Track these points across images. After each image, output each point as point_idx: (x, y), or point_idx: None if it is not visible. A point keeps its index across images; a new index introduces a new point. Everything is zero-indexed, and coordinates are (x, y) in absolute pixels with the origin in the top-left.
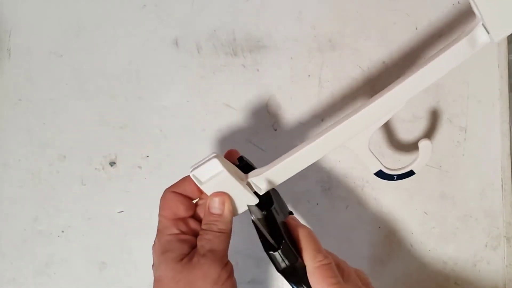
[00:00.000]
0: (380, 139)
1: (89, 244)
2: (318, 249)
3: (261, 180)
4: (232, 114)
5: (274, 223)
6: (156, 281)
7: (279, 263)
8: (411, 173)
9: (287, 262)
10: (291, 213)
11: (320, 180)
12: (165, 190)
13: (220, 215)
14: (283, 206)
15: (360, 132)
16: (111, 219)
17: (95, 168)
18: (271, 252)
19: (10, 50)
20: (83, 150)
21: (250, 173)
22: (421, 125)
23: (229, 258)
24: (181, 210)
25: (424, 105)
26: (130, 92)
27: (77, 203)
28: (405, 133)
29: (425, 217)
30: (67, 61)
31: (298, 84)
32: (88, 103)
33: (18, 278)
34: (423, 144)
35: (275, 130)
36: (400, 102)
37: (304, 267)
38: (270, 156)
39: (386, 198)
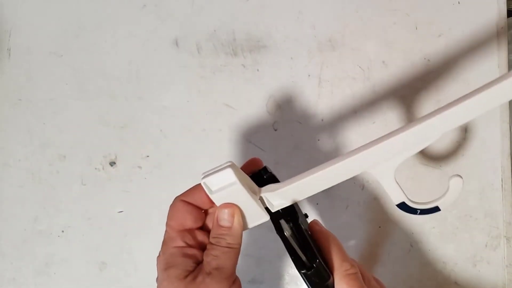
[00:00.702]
0: None
1: (89, 244)
2: (344, 257)
3: (274, 197)
4: (232, 114)
5: (304, 239)
6: None
7: (311, 282)
8: (436, 209)
9: (319, 281)
10: (306, 215)
11: None
12: (175, 198)
13: (229, 228)
14: (299, 210)
15: (389, 160)
16: (111, 219)
17: (95, 168)
18: (304, 271)
19: (10, 50)
20: (83, 150)
21: (264, 188)
22: None
23: None
24: (189, 221)
25: (424, 105)
26: (130, 92)
27: (77, 203)
28: None
29: (425, 217)
30: (67, 61)
31: (298, 84)
32: (88, 103)
33: (18, 278)
34: (454, 181)
35: (275, 130)
36: (438, 132)
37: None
38: (270, 156)
39: (386, 198)
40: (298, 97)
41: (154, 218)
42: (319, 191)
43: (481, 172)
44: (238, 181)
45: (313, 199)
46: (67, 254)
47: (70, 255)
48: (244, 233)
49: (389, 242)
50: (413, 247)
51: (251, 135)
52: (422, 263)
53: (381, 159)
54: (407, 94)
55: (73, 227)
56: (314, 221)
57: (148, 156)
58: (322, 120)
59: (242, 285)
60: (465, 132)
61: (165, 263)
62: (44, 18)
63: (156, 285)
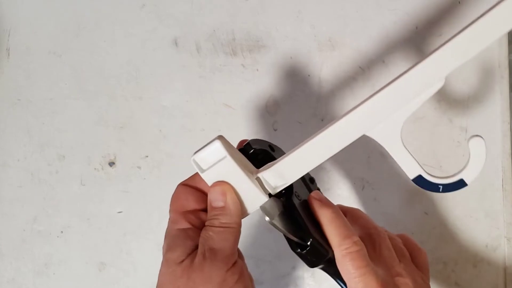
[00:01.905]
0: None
1: (88, 244)
2: (344, 234)
3: (271, 176)
4: (231, 114)
5: (296, 217)
6: (157, 286)
7: (308, 261)
8: (462, 184)
9: (316, 259)
10: (311, 180)
11: (320, 180)
12: (177, 185)
13: (223, 208)
14: (302, 178)
15: (390, 116)
16: (110, 219)
17: (95, 168)
18: (298, 251)
19: (9, 50)
20: (83, 150)
21: (261, 168)
22: (422, 125)
23: None
24: (191, 202)
25: (424, 105)
26: (130, 92)
27: (76, 203)
28: (406, 134)
29: (425, 217)
30: (66, 60)
31: (298, 84)
32: (87, 103)
33: (17, 278)
34: (474, 143)
35: (275, 130)
36: (438, 75)
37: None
38: None
39: (386, 198)
40: (298, 97)
41: (153, 218)
42: (319, 162)
43: (481, 172)
44: (228, 155)
45: None
46: (66, 254)
47: (69, 255)
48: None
49: None
50: None
51: (251, 135)
52: None
53: (383, 113)
54: None
55: (72, 228)
56: (312, 194)
57: (147, 156)
58: (322, 120)
59: None
60: (465, 132)
61: (166, 247)
62: (43, 17)
63: None
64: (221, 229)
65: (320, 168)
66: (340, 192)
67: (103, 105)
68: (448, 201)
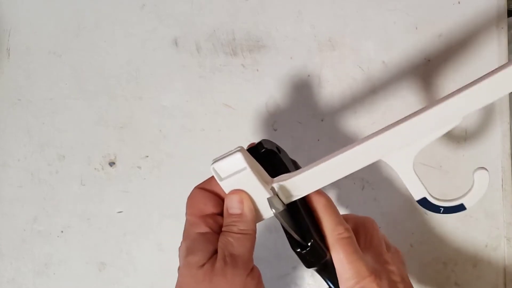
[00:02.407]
0: None
1: (89, 244)
2: (337, 221)
3: (286, 187)
4: (231, 114)
5: (298, 215)
6: (177, 287)
7: (307, 261)
8: (461, 207)
9: (314, 260)
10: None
11: None
12: (193, 188)
13: (240, 215)
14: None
15: (406, 146)
16: (110, 219)
17: (95, 168)
18: (298, 251)
19: (9, 50)
20: (83, 150)
21: (277, 178)
22: None
23: None
24: (209, 206)
25: (424, 105)
26: (130, 92)
27: (77, 203)
28: None
29: (425, 217)
30: (66, 60)
31: (298, 84)
32: (87, 103)
33: (17, 278)
34: (480, 174)
35: (275, 130)
36: (457, 115)
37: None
38: None
39: (386, 198)
40: (298, 97)
41: (153, 218)
42: (333, 180)
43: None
44: (248, 167)
45: None
46: (66, 254)
47: (69, 255)
48: None
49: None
50: (413, 247)
51: (251, 135)
52: (422, 264)
53: (399, 143)
54: (407, 94)
55: (72, 227)
56: None
57: (147, 156)
58: (322, 120)
59: None
60: (465, 132)
61: (186, 249)
62: (43, 17)
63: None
64: (240, 235)
65: None
66: (340, 192)
67: (103, 105)
68: None
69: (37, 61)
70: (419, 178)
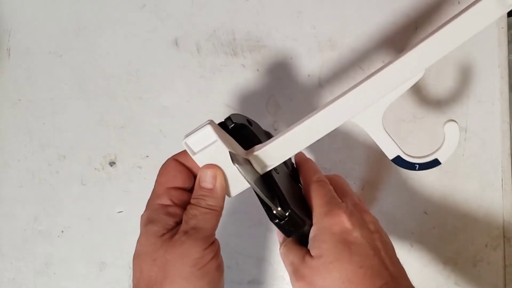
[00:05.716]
0: None
1: (89, 244)
2: (317, 170)
3: (260, 157)
4: None
5: (273, 184)
6: (135, 255)
7: (286, 231)
8: (436, 162)
9: (293, 229)
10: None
11: None
12: (169, 158)
13: (211, 190)
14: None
15: (372, 104)
16: (110, 219)
17: (95, 168)
18: (276, 221)
19: (9, 50)
20: (83, 150)
21: (249, 150)
22: (422, 125)
23: (229, 258)
24: (179, 179)
25: (425, 105)
26: (130, 92)
27: (77, 203)
28: (406, 134)
29: (425, 217)
30: (67, 61)
31: (298, 84)
32: (88, 103)
33: (18, 278)
34: (449, 127)
35: (275, 130)
36: (418, 68)
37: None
38: None
39: (386, 198)
40: (298, 97)
41: None
42: (307, 145)
43: (481, 172)
44: (219, 139)
45: None
46: (67, 254)
47: (70, 255)
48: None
49: None
50: (413, 247)
51: None
52: (422, 264)
53: (366, 101)
54: (407, 94)
55: (73, 227)
56: (296, 155)
57: (148, 156)
58: None
59: (243, 286)
60: (465, 132)
61: (146, 219)
62: (43, 18)
63: None
64: (207, 210)
65: (320, 168)
66: None
67: (103, 105)
68: (448, 201)
69: (38, 61)
70: (390, 137)
